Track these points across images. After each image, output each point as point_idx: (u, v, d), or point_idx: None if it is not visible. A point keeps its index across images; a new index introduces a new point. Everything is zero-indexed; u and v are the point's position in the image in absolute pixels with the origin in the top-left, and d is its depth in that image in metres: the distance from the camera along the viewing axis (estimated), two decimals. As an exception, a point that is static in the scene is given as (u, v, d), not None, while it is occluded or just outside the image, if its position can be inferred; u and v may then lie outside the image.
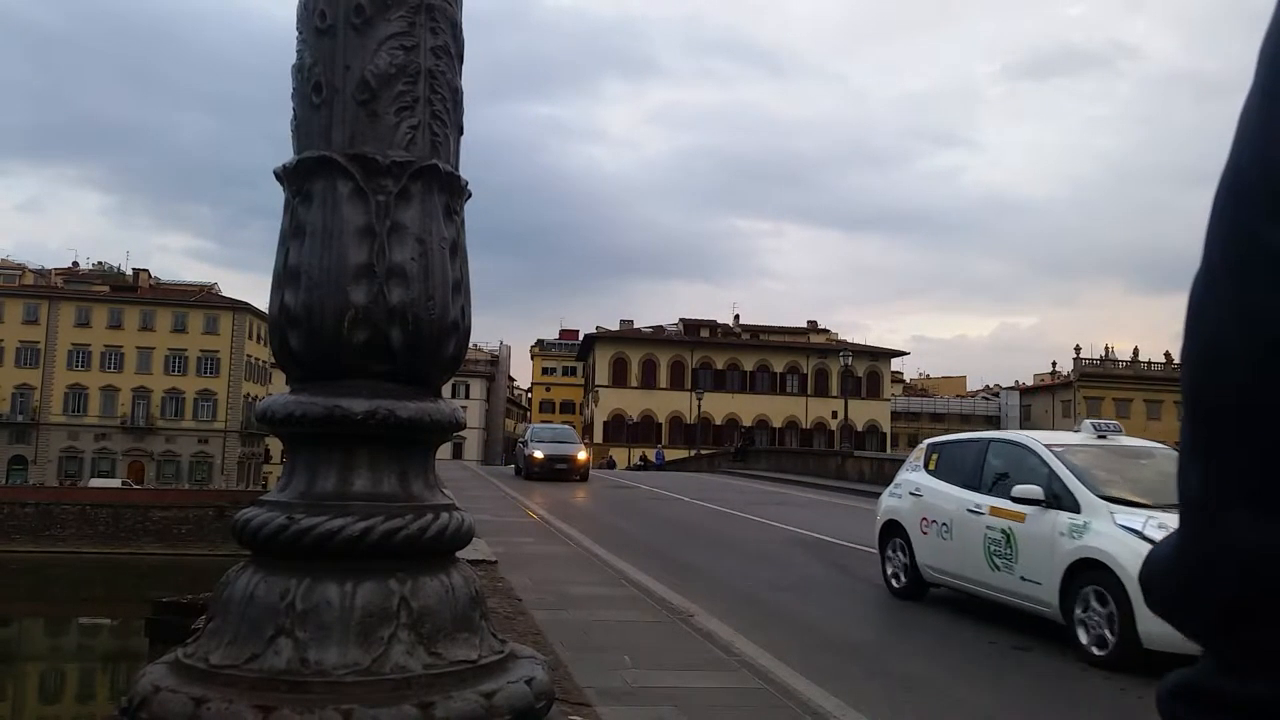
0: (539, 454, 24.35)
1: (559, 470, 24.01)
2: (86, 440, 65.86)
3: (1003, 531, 7.46)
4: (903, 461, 10.54)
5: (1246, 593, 0.42)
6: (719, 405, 65.62)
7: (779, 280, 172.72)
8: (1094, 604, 6.42)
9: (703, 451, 48.19)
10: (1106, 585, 6.32)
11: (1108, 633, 6.26)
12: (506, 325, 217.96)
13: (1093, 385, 70.07)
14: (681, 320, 75.70)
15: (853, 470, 28.55)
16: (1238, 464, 0.42)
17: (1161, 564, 0.49)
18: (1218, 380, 0.43)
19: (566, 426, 32.90)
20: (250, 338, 69.66)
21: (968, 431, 10.91)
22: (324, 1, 2.09)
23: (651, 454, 51.66)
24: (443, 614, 1.98)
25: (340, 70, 2.07)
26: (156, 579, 34.54)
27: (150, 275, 75.13)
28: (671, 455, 51.91)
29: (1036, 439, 7.95)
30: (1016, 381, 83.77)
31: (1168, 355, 70.51)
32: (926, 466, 9.08)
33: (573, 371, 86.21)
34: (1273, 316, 0.39)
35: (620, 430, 65.23)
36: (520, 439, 29.02)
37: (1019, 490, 7.28)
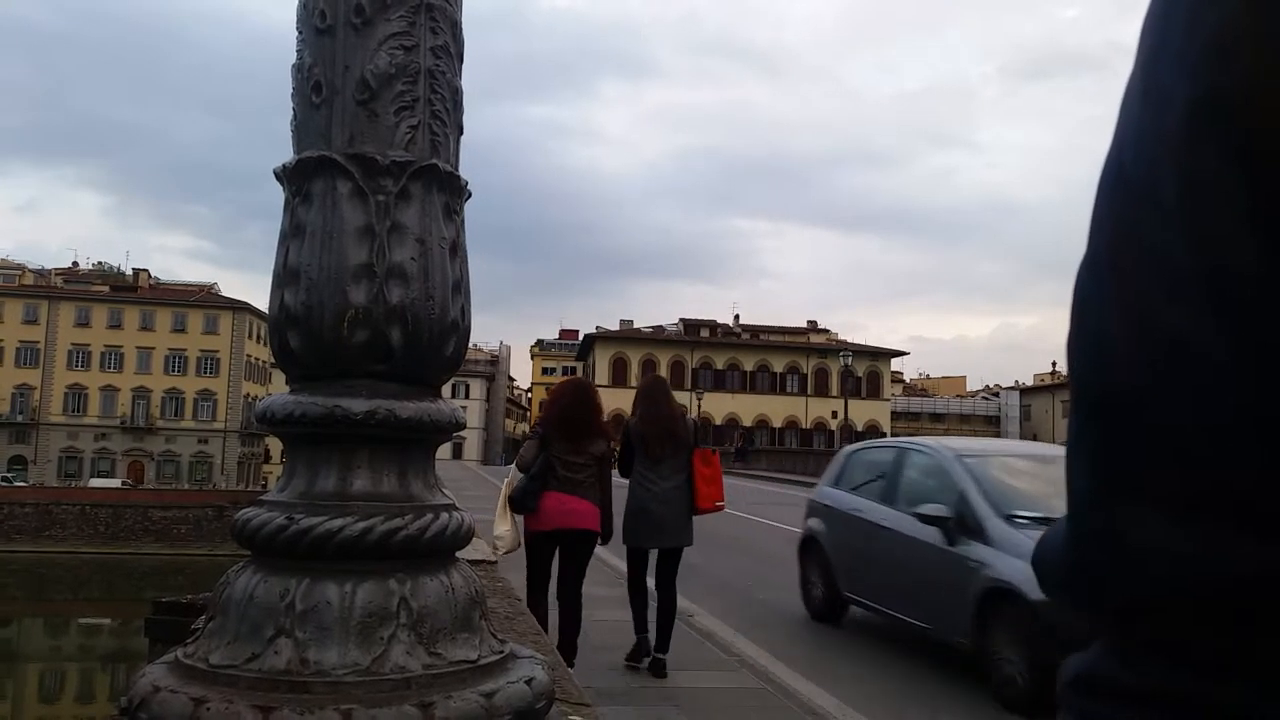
0: None
1: None
2: (86, 440, 65.90)
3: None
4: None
5: (1137, 591, 0.41)
6: (719, 405, 65.62)
7: (779, 280, 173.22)
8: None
9: (703, 451, 48.10)
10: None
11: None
12: (506, 325, 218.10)
13: (1093, 385, 70.20)
14: (681, 320, 75.79)
15: (853, 470, 28.47)
16: (1124, 458, 0.41)
17: (1053, 554, 0.48)
18: (1103, 373, 0.42)
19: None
20: (250, 338, 69.69)
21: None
22: (324, 1, 2.09)
23: None
24: (443, 614, 1.98)
25: (340, 70, 2.07)
26: (156, 579, 34.57)
27: (150, 275, 75.22)
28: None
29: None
30: (1016, 381, 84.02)
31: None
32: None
33: (573, 371, 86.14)
34: (1156, 315, 0.38)
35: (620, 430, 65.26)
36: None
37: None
